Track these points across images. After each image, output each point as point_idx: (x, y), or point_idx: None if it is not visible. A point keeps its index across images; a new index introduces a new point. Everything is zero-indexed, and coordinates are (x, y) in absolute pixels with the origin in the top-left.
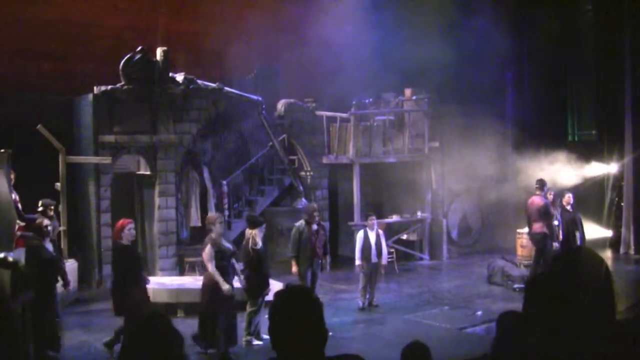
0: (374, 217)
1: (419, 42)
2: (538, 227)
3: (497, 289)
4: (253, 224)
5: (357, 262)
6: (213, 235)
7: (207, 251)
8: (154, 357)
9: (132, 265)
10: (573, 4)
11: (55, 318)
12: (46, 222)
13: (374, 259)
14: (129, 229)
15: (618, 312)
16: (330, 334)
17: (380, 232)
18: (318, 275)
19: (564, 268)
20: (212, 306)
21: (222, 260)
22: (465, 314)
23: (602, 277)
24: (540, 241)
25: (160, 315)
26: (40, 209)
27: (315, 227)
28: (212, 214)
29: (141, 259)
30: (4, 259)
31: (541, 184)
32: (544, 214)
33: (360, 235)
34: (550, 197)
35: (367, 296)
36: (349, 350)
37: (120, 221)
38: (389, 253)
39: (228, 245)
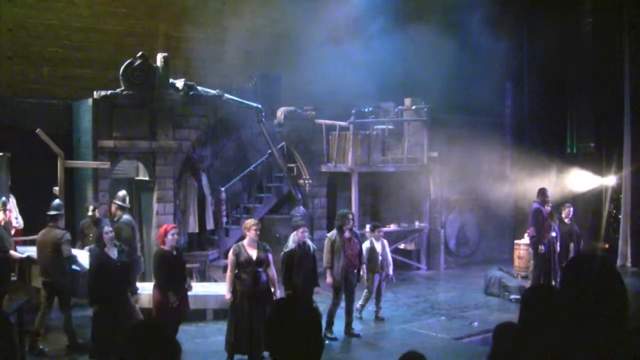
0: (381, 228)
1: (419, 52)
2: (530, 231)
3: (493, 300)
4: (292, 227)
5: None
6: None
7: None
8: None
9: (171, 271)
10: (573, 15)
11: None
12: (107, 228)
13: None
14: (172, 234)
15: None
16: (327, 343)
17: (385, 241)
18: (355, 286)
19: (578, 278)
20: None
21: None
22: (462, 325)
23: (616, 286)
24: (533, 245)
25: (157, 323)
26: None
27: (347, 234)
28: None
29: (184, 265)
30: None
31: (539, 192)
32: (532, 217)
33: (366, 246)
34: (548, 208)
35: (367, 307)
36: None
37: (164, 226)
38: None
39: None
